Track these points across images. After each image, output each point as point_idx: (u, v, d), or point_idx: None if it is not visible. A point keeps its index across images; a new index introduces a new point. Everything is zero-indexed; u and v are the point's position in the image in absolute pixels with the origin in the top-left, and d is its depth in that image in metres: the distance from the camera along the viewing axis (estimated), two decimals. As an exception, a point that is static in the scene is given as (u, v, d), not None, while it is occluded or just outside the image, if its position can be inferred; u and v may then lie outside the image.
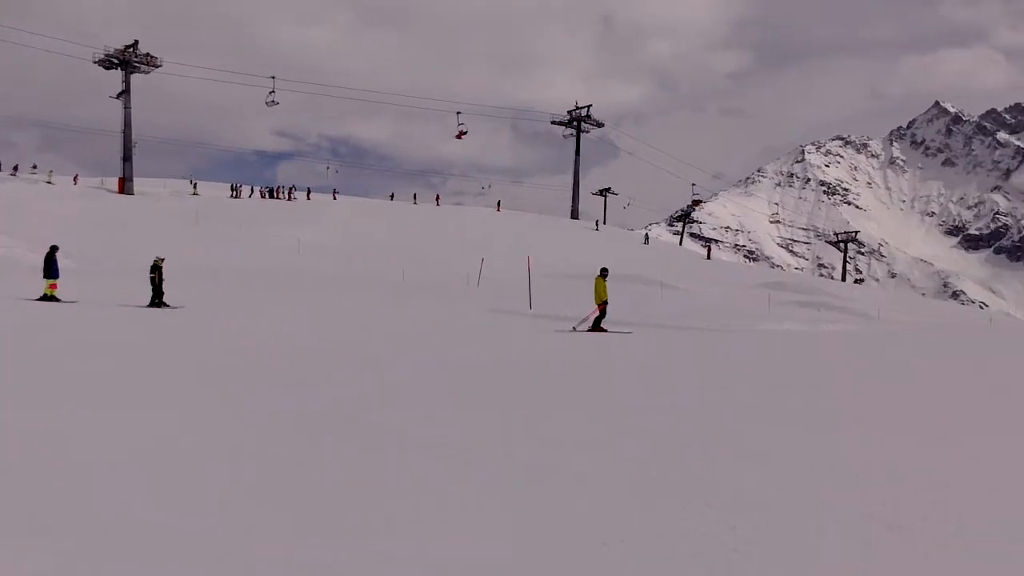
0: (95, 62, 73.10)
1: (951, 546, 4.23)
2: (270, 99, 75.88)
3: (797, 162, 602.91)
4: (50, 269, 23.70)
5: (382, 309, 27.29)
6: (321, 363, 12.79)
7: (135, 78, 74.89)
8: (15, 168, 74.54)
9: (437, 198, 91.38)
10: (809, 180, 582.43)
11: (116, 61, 73.84)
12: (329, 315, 23.92)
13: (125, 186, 72.36)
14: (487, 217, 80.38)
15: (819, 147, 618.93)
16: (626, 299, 31.12)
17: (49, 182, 70.90)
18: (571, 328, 21.66)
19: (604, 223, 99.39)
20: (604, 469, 5.77)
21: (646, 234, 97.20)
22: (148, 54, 75.04)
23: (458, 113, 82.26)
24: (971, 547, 4.24)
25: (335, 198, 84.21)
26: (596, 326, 21.44)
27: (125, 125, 74.28)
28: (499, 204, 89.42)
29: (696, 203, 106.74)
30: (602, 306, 21.74)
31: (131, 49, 74.02)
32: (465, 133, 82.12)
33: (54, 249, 24.32)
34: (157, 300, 23.46)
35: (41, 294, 23.25)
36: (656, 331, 22.91)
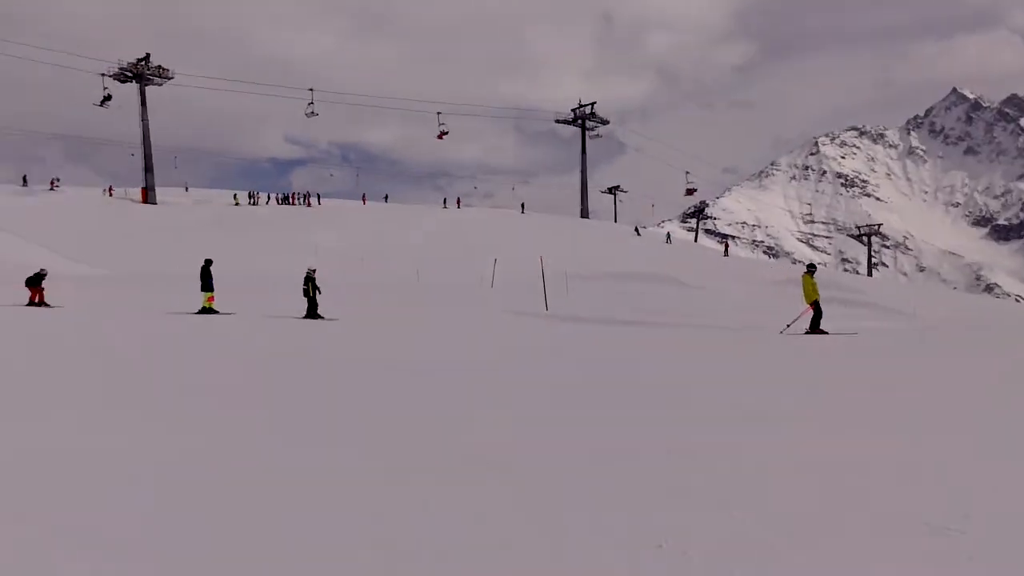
0: (111, 76, 76.96)
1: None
2: (309, 110, 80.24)
3: (811, 154, 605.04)
4: (207, 282, 24.61)
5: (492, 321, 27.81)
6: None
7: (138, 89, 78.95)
8: (24, 180, 78.30)
9: (458, 201, 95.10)
10: (825, 172, 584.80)
11: (130, 74, 77.99)
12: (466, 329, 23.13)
13: (148, 195, 76.70)
14: (514, 220, 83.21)
15: (833, 138, 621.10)
16: (654, 300, 34.17)
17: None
18: (780, 332, 20.85)
19: (615, 221, 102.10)
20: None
21: (668, 233, 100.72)
22: (160, 66, 79.22)
23: (438, 113, 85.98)
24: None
25: (364, 203, 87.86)
26: (815, 328, 20.52)
27: (144, 137, 78.68)
28: (523, 206, 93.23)
29: (690, 192, 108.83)
30: (814, 305, 20.85)
31: (143, 62, 78.32)
32: (446, 133, 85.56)
33: (208, 262, 24.97)
34: (313, 312, 24.01)
35: (200, 307, 24.14)
36: (710, 331, 22.67)
